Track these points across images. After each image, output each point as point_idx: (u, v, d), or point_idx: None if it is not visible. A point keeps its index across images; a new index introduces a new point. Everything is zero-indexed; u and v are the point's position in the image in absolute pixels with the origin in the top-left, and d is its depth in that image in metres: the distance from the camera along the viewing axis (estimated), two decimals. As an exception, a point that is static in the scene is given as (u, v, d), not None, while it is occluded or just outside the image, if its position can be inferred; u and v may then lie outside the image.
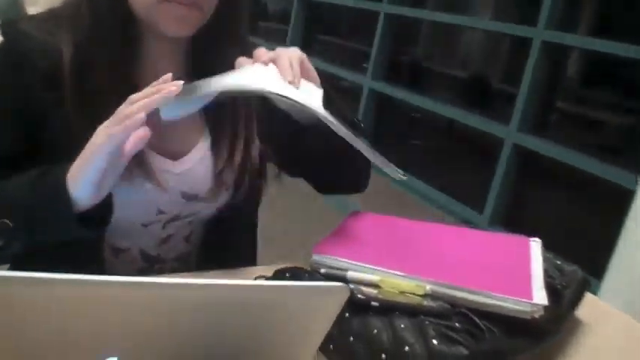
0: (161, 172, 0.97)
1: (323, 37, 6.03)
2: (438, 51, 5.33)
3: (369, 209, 1.07)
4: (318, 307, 0.52)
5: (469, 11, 4.87)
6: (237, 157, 1.01)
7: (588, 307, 0.95)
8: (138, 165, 0.93)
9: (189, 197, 1.00)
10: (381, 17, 4.48)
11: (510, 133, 3.31)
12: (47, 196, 0.81)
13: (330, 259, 0.86)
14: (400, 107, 4.59)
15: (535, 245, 0.96)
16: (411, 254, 0.90)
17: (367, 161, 0.94)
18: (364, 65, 4.69)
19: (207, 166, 1.01)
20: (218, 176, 1.00)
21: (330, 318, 0.53)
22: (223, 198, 1.01)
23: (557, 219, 3.37)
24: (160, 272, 1.05)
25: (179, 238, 1.05)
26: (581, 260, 0.99)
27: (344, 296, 0.51)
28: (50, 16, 0.96)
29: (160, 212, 0.99)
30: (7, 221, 0.81)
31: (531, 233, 1.00)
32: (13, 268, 1.01)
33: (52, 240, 0.86)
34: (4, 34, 0.95)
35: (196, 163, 1.01)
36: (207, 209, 1.02)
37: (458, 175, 4.13)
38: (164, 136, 0.92)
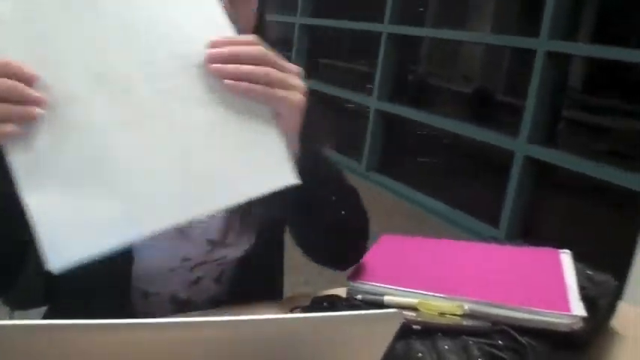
0: (187, 230, 0.94)
1: (326, 61, 6.07)
2: (440, 67, 5.37)
3: (384, 230, 1.07)
4: (372, 335, 0.52)
5: (467, 25, 4.90)
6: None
7: (622, 314, 0.95)
8: None
9: (215, 244, 0.98)
10: (383, 37, 4.52)
11: (520, 146, 3.32)
12: None
13: (367, 285, 0.86)
14: (407, 125, 4.61)
15: (565, 257, 0.96)
16: (445, 274, 0.90)
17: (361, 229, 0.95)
18: (369, 86, 4.72)
19: (231, 211, 0.97)
20: (242, 220, 0.97)
21: (384, 345, 0.53)
22: (249, 240, 0.99)
23: (574, 227, 3.37)
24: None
25: (209, 280, 1.02)
26: (604, 266, 0.99)
27: (397, 322, 0.52)
28: None
29: (185, 259, 0.97)
30: None
31: (550, 244, 1.00)
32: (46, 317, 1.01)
33: None
34: None
35: (222, 210, 0.96)
36: (234, 253, 1.00)
37: (469, 191, 4.13)
38: None
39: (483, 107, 4.61)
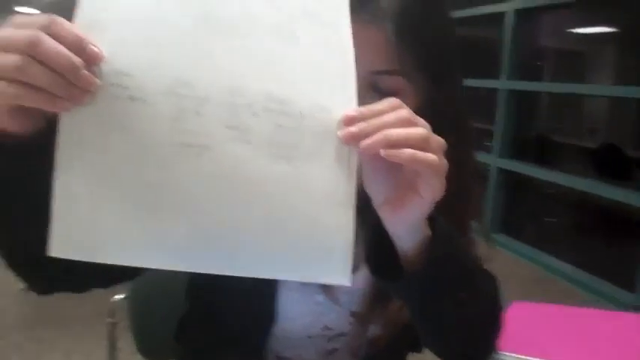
0: (335, 285, 0.91)
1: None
2: (561, 122, 5.20)
3: (508, 294, 1.02)
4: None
5: (586, 77, 4.75)
6: None
7: None
8: None
9: (358, 316, 0.93)
10: (501, 94, 4.45)
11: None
12: None
13: (509, 357, 0.83)
14: (530, 183, 4.47)
15: None
16: (585, 344, 0.85)
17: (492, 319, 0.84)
18: (488, 143, 4.64)
19: (370, 286, 0.91)
20: (385, 297, 0.91)
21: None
22: (392, 316, 0.93)
23: None
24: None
25: (345, 353, 0.98)
26: None
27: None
28: None
29: (327, 328, 0.94)
30: None
31: None
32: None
33: None
34: None
35: (369, 279, 0.91)
36: (375, 329, 0.95)
37: (599, 252, 3.92)
38: None
39: (611, 162, 4.40)
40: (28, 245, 0.64)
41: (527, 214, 4.69)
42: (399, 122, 0.63)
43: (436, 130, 0.79)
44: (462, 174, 0.83)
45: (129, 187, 0.58)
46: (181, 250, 0.59)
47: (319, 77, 0.65)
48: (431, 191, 0.64)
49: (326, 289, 0.90)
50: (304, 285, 0.89)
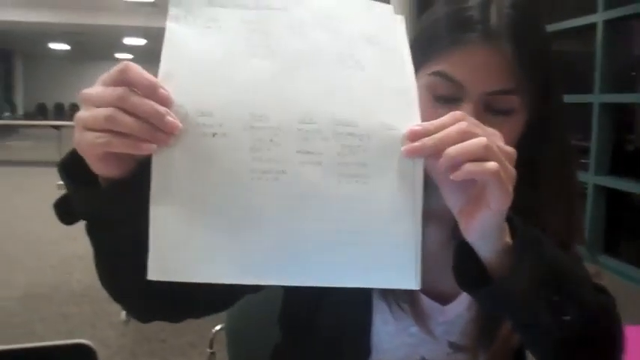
0: (430, 317, 0.90)
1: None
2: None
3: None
4: None
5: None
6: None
7: None
8: (409, 307, 0.87)
9: (457, 348, 0.91)
10: (595, 108, 4.28)
11: None
12: None
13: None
14: (631, 200, 4.24)
15: None
16: None
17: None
18: (584, 161, 4.46)
19: (476, 315, 0.90)
20: (482, 329, 0.90)
21: None
22: (493, 348, 0.91)
23: None
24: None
25: None
26: None
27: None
28: None
29: (423, 359, 0.93)
30: None
31: None
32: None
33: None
34: None
35: (466, 310, 0.91)
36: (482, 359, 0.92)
37: None
38: (436, 276, 0.83)
39: None
40: (130, 276, 0.68)
41: (629, 233, 4.45)
42: (460, 134, 0.64)
43: (543, 148, 0.81)
44: (568, 193, 0.81)
45: (215, 212, 0.64)
46: (263, 265, 0.64)
47: (383, 98, 0.69)
48: (496, 201, 0.64)
49: (419, 320, 0.89)
50: (398, 318, 0.88)
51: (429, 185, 0.69)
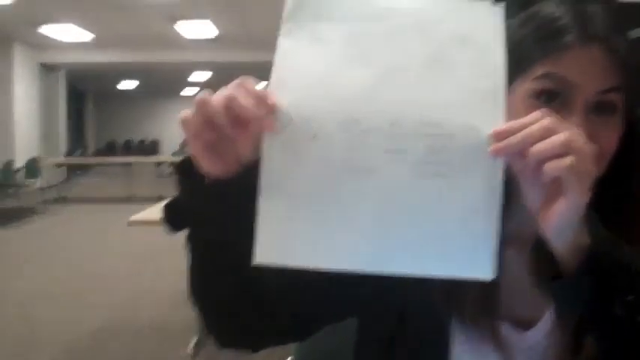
0: (510, 343, 0.87)
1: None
2: None
3: None
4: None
5: None
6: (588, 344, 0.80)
7: None
8: (490, 334, 0.86)
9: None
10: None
11: None
12: None
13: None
14: None
15: None
16: None
17: None
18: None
19: (555, 342, 0.86)
20: (568, 352, 0.83)
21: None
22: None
23: None
24: None
25: None
26: None
27: None
28: None
29: None
30: None
31: None
32: None
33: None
34: None
35: (544, 337, 0.87)
36: None
37: None
38: (515, 300, 0.86)
39: None
40: (224, 288, 0.78)
41: None
42: (542, 132, 0.66)
43: (636, 150, 0.85)
44: None
45: (314, 206, 0.73)
46: (353, 253, 0.72)
47: (470, 99, 0.73)
48: (574, 196, 0.66)
49: (498, 346, 0.88)
50: (476, 344, 0.87)
51: (508, 208, 0.73)
